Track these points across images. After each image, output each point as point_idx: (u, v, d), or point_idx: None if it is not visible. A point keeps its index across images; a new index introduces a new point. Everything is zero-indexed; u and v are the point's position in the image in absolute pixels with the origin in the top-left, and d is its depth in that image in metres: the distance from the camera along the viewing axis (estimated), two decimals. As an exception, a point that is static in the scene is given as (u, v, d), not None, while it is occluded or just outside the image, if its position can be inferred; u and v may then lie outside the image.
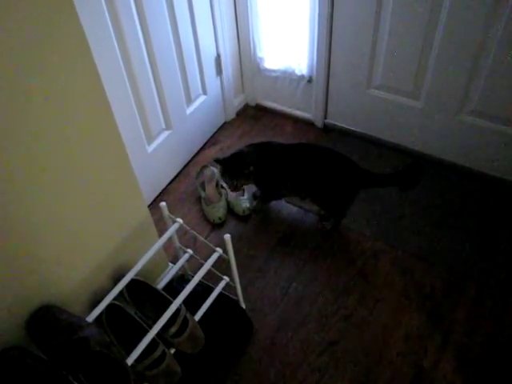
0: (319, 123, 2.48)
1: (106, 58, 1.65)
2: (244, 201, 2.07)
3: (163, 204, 1.43)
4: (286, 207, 2.11)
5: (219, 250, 1.39)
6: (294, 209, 2.11)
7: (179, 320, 1.32)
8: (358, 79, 2.19)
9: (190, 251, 1.53)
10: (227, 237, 1.32)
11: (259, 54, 2.43)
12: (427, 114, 2.11)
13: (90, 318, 1.24)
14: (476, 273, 1.84)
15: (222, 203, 2.06)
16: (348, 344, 1.68)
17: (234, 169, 1.86)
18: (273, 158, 1.89)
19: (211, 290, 1.49)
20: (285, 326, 1.73)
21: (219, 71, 2.34)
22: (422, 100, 2.08)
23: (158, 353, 1.25)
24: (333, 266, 1.90)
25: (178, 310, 1.32)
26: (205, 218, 2.09)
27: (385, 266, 1.89)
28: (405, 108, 2.15)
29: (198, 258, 1.54)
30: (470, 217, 2.03)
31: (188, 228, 1.43)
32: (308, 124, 2.52)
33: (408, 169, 1.82)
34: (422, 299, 1.78)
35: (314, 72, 2.29)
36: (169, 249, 1.77)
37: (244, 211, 2.06)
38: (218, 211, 2.03)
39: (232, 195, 2.10)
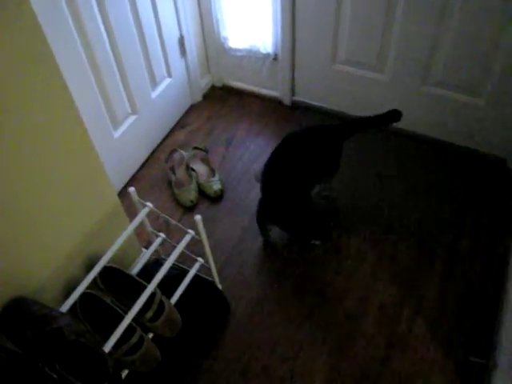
0: (287, 101, 2.47)
1: (63, 42, 1.60)
2: (215, 182, 2.06)
3: (132, 189, 1.41)
4: (256, 187, 2.11)
5: (191, 232, 1.39)
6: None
7: (155, 304, 1.31)
8: (323, 55, 2.19)
9: (163, 235, 1.52)
10: (198, 218, 1.31)
11: (223, 33, 2.39)
12: (392, 87, 2.12)
13: (64, 308, 1.22)
14: (445, 241, 1.89)
15: (193, 186, 2.05)
16: (324, 316, 1.71)
17: None
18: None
19: (186, 272, 1.49)
20: (261, 304, 1.75)
21: (183, 52, 2.30)
22: (387, 73, 2.09)
23: (135, 338, 1.24)
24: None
25: (153, 295, 1.31)
26: (177, 201, 2.07)
27: (357, 240, 1.92)
28: (370, 82, 2.16)
29: (170, 241, 1.52)
30: (439, 188, 2.07)
31: (158, 212, 1.42)
32: (276, 102, 2.51)
33: (388, 113, 1.83)
34: (394, 270, 1.82)
35: (280, 50, 2.28)
36: (142, 235, 1.75)
37: (216, 192, 2.05)
38: (189, 194, 2.02)
39: (203, 177, 2.08)
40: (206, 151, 2.21)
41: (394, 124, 1.85)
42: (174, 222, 1.43)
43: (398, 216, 1.98)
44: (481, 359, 1.48)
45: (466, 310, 1.69)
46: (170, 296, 1.40)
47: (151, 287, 1.28)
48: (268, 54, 2.33)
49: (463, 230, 1.91)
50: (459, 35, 1.82)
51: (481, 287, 1.74)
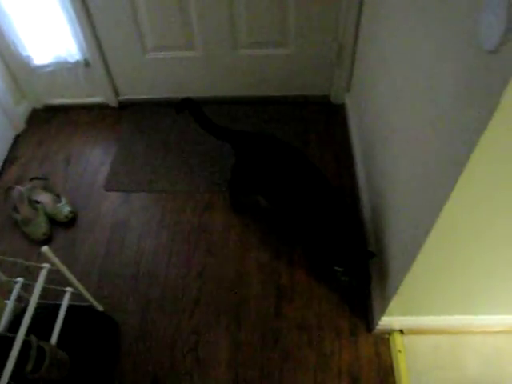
0: (113, 103, 2.40)
1: None
2: (63, 206, 1.95)
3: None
4: (106, 196, 2.04)
5: (46, 265, 1.30)
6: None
7: (33, 352, 1.22)
8: (132, 48, 2.14)
9: (20, 279, 1.41)
10: (45, 249, 1.23)
11: (24, 53, 2.23)
12: (207, 60, 2.16)
13: None
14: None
15: (41, 218, 1.92)
16: (210, 297, 1.73)
17: None
18: None
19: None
20: (148, 307, 1.72)
21: (-16, 84, 2.12)
22: (198, 48, 2.11)
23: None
24: (172, 232, 1.92)
25: (27, 343, 1.22)
26: (30, 239, 1.93)
27: (219, 214, 1.96)
28: (186, 61, 2.17)
29: (30, 283, 1.42)
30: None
31: (3, 258, 1.31)
32: (103, 107, 2.43)
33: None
34: (262, 232, 1.89)
35: (88, 54, 2.19)
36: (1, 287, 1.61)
37: (67, 216, 1.94)
38: (39, 228, 1.89)
39: (49, 205, 1.96)
40: (46, 179, 2.08)
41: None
42: (21, 261, 1.33)
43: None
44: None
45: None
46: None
47: (19, 338, 1.18)
48: (77, 62, 2.23)
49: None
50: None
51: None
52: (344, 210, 1.66)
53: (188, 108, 1.84)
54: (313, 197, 1.63)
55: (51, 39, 2.17)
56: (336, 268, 1.61)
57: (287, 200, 1.69)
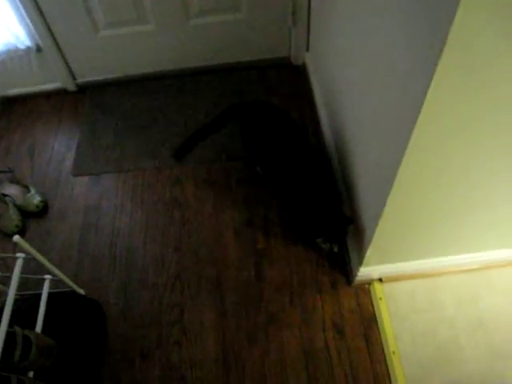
0: (71, 87, 2.34)
1: None
2: (33, 196, 1.92)
3: None
4: (78, 181, 2.02)
5: (21, 255, 1.29)
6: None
7: (19, 342, 1.23)
8: (83, 28, 2.07)
9: (-3, 273, 1.40)
10: (16, 238, 1.21)
11: (-31, 44, 2.15)
12: (162, 32, 2.11)
13: None
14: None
15: (12, 211, 1.89)
16: (189, 269, 1.75)
17: None
18: None
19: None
20: (129, 285, 1.73)
21: None
22: (151, 21, 2.06)
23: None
24: (145, 209, 1.92)
25: (12, 334, 1.22)
26: (4, 233, 1.90)
27: (188, 186, 1.97)
28: (140, 36, 2.12)
29: (8, 274, 1.41)
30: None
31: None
32: (62, 93, 2.36)
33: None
34: (231, 197, 1.91)
35: (39, 39, 2.12)
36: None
37: (38, 206, 1.91)
38: (11, 221, 1.86)
39: (19, 197, 1.93)
40: (11, 171, 2.05)
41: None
42: (-5, 254, 1.32)
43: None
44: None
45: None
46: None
47: (2, 330, 1.18)
48: (28, 48, 2.15)
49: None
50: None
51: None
52: (326, 175, 1.72)
53: (188, 148, 1.97)
54: (298, 161, 1.67)
55: (-3, 26, 2.10)
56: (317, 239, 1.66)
57: (276, 166, 1.71)
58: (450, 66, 0.75)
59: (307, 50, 2.26)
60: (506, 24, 0.70)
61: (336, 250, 1.65)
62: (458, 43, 0.71)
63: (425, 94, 0.81)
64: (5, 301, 1.52)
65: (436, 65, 0.75)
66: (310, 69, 2.24)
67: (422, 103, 0.83)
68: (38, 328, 1.36)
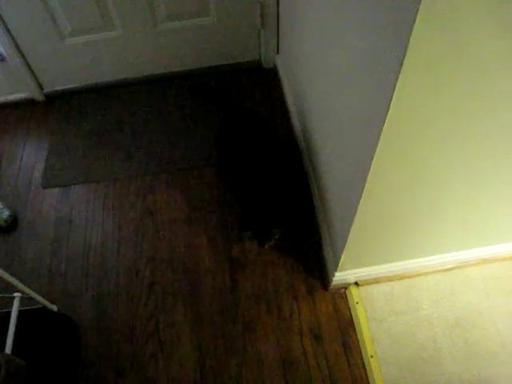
0: (39, 97, 2.29)
1: None
2: (1, 211, 1.87)
3: None
4: (46, 195, 1.97)
5: (-14, 275, 1.26)
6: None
7: (-13, 365, 1.20)
8: (49, 36, 2.02)
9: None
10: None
11: None
12: (129, 39, 2.07)
13: None
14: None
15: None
16: (164, 280, 1.73)
17: None
18: None
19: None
20: (102, 299, 1.70)
21: None
22: (118, 27, 2.03)
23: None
24: (117, 219, 1.89)
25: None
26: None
27: (162, 195, 1.94)
28: (108, 42, 2.08)
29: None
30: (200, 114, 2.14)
31: None
32: (29, 103, 2.31)
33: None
34: (204, 205, 1.90)
35: (1, 48, 2.07)
36: None
37: (6, 221, 1.86)
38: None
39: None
40: (-22, 185, 1.99)
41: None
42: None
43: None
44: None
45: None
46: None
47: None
48: (-8, 58, 2.11)
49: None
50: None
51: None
52: (284, 175, 1.73)
53: (200, 90, 2.12)
54: (260, 157, 1.68)
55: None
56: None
57: (242, 162, 1.71)
58: (412, 67, 0.74)
59: (277, 52, 2.25)
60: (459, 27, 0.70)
61: (279, 235, 1.65)
62: (419, 46, 0.70)
63: (389, 98, 0.80)
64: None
65: (400, 66, 0.74)
66: (281, 71, 2.23)
67: (388, 108, 0.82)
68: (8, 349, 1.32)
